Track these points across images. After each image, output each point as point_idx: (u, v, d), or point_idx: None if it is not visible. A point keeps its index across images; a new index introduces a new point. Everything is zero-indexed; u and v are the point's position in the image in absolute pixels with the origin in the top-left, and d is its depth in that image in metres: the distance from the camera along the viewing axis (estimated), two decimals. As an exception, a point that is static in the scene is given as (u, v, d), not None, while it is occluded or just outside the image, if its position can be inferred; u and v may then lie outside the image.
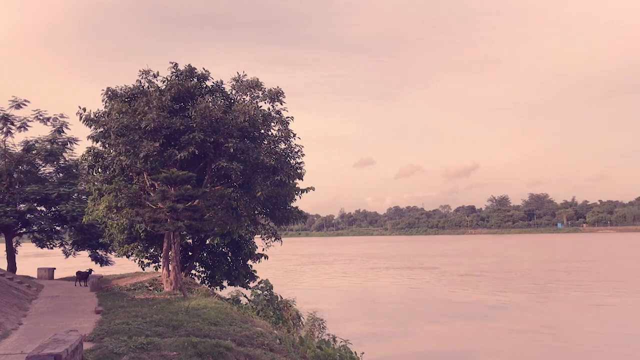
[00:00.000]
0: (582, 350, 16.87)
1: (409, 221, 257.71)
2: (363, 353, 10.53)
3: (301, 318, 18.09)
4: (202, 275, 23.94)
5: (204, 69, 18.38)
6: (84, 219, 21.69)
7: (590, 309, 25.70)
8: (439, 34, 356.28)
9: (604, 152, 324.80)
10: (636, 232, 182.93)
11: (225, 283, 23.45)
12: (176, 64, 18.19)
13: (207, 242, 23.35)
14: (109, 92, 17.50)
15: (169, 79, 18.02)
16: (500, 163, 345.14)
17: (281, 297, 18.00)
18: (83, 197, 26.16)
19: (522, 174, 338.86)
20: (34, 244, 28.22)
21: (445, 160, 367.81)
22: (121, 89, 17.63)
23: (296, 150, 17.99)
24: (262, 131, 17.75)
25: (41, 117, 26.73)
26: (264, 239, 21.83)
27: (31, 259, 49.53)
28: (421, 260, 66.92)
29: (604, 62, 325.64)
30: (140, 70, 17.89)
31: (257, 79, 17.52)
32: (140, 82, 17.86)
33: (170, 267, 17.32)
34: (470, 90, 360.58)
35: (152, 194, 16.96)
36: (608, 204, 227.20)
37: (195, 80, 18.05)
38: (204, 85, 18.34)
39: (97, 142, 17.57)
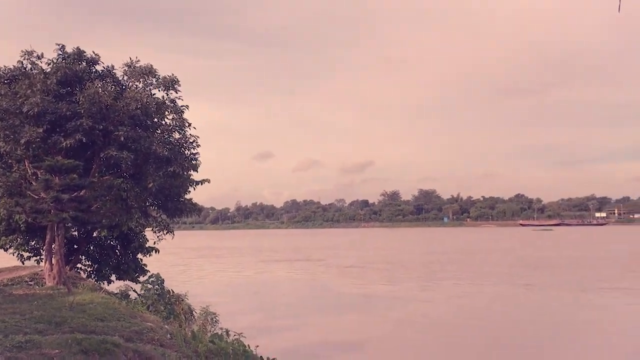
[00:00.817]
0: (455, 339, 17.88)
1: (305, 214, 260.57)
2: (257, 346, 10.51)
3: (193, 312, 17.75)
4: (89, 270, 22.77)
5: (93, 52, 17.43)
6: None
7: (461, 299, 27.34)
8: (345, 30, 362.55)
9: (489, 151, 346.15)
10: (514, 227, 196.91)
11: (113, 277, 22.45)
12: (63, 45, 17.09)
13: (95, 234, 22.22)
14: (-16, 73, 16.14)
15: (55, 61, 16.89)
16: (394, 159, 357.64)
17: (173, 292, 17.57)
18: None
19: (414, 170, 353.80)
20: None
21: (342, 155, 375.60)
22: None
23: (191, 140, 17.52)
24: (156, 120, 17.11)
25: None
26: (155, 232, 21.14)
27: None
28: (309, 253, 68.17)
29: (496, 65, 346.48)
30: (22, 51, 16.64)
31: (151, 65, 16.87)
32: (22, 63, 16.60)
33: (54, 261, 16.32)
34: (371, 88, 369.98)
35: (34, 183, 15.87)
36: (490, 200, 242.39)
37: (84, 64, 17.07)
38: (94, 70, 17.38)
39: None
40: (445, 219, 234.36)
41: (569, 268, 41.82)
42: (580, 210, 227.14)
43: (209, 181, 19.58)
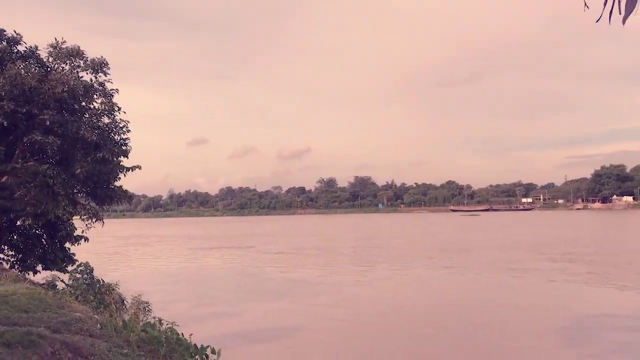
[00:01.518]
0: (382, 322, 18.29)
1: (240, 202, 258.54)
2: (191, 334, 10.41)
3: (125, 302, 17.31)
4: (12, 260, 21.75)
5: (15, 31, 16.51)
6: None
7: (386, 281, 28.09)
8: (282, 14, 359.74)
9: (422, 139, 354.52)
10: (445, 212, 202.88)
11: (39, 267, 21.55)
12: (-20, 24, 16.09)
13: (18, 223, 21.21)
14: None
15: (-29, 40, 15.88)
16: (331, 146, 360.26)
17: (103, 281, 17.06)
18: None
19: (350, 157, 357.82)
20: None
21: (279, 142, 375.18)
22: None
23: (121, 125, 16.91)
24: (83, 104, 16.41)
25: None
26: (83, 220, 20.39)
27: None
28: (241, 240, 68.21)
29: (431, 54, 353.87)
30: None
31: (78, 47, 16.15)
32: None
33: (-27, 252, 15.50)
34: (308, 75, 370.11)
35: (-51, 169, 14.96)
36: (423, 186, 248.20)
37: (5, 43, 16.15)
38: (15, 50, 16.46)
39: None
40: (380, 206, 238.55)
41: (487, 250, 43.69)
42: (508, 196, 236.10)
43: (140, 167, 19.04)
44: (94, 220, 20.54)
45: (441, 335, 16.36)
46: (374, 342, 15.39)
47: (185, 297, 24.05)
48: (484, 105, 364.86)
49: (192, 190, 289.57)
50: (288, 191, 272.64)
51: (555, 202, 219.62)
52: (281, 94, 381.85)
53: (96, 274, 16.71)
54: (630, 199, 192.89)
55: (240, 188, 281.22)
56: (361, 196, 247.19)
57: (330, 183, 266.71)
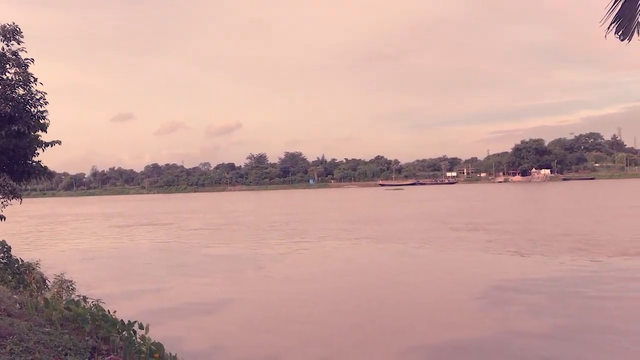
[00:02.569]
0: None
1: (167, 179, 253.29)
2: (115, 311, 10.13)
3: (47, 281, 16.61)
4: None
5: None
6: None
7: (299, 254, 28.61)
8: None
9: (352, 115, 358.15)
10: (374, 187, 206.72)
11: (-49, 249, 20.28)
12: None
13: None
14: None
15: None
16: (261, 122, 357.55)
17: (21, 260, 16.27)
18: None
19: (281, 133, 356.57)
20: None
21: (208, 118, 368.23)
22: None
23: (38, 97, 16.03)
24: (-5, 74, 15.45)
25: None
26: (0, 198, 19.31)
27: None
28: (159, 217, 67.51)
29: (359, 30, 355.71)
30: None
31: (-13, 13, 15.10)
32: None
33: None
34: (235, 49, 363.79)
35: None
36: (352, 162, 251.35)
37: None
38: None
39: None
40: (311, 181, 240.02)
41: (400, 222, 45.28)
42: (433, 170, 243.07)
43: (59, 142, 18.13)
44: (11, 197, 19.51)
45: (357, 300, 16.97)
46: (298, 313, 15.61)
47: (109, 276, 23.40)
48: (410, 81, 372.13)
49: (116, 168, 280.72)
50: (217, 167, 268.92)
51: (479, 175, 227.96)
52: (210, 69, 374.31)
53: (14, 253, 15.89)
54: (547, 171, 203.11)
55: (167, 165, 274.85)
56: (292, 172, 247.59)
57: (260, 159, 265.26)
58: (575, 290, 17.13)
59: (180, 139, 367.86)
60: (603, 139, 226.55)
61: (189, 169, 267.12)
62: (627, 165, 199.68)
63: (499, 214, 51.32)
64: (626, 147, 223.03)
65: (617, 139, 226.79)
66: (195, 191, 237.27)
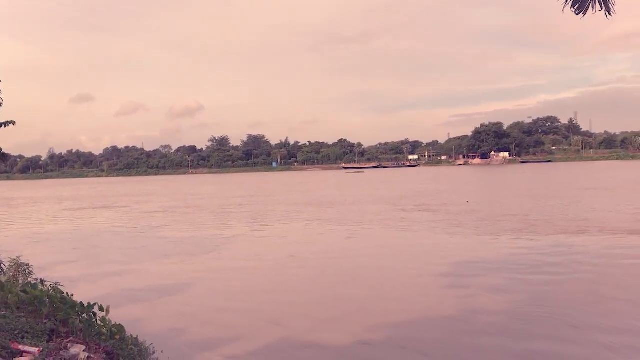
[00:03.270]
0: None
1: (127, 162, 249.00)
2: (72, 295, 10.13)
3: (1, 265, 16.39)
4: None
5: None
6: None
7: (247, 236, 28.53)
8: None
9: (315, 98, 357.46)
10: (338, 170, 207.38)
11: None
12: None
13: None
14: None
15: None
16: (223, 104, 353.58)
17: (-37, 245, 15.99)
18: None
19: (244, 115, 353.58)
20: None
21: (170, 100, 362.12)
22: None
23: (-12, 76, 15.61)
24: None
25: None
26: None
27: None
28: (115, 200, 66.71)
29: (321, 13, 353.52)
30: None
31: None
32: None
33: None
34: (197, 30, 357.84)
35: None
36: (316, 144, 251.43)
37: None
38: None
39: None
40: (274, 164, 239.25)
41: (354, 205, 45.71)
42: (396, 153, 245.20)
43: (14, 123, 17.60)
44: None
45: (317, 281, 17.04)
46: (256, 293, 15.58)
47: (65, 259, 22.98)
48: (373, 64, 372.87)
49: (74, 150, 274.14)
50: (178, 150, 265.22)
51: (439, 158, 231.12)
52: (172, 50, 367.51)
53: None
54: (506, 154, 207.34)
55: (127, 147, 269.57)
56: (255, 155, 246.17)
57: (222, 142, 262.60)
58: (530, 268, 17.52)
59: (141, 121, 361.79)
60: (560, 122, 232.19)
61: (150, 151, 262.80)
62: (582, 149, 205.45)
63: (450, 196, 52.10)
64: (582, 130, 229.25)
65: (574, 122, 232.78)
66: (156, 174, 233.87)
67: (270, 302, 14.46)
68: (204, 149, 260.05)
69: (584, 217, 31.10)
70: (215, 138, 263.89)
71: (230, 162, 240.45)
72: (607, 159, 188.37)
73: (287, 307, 13.95)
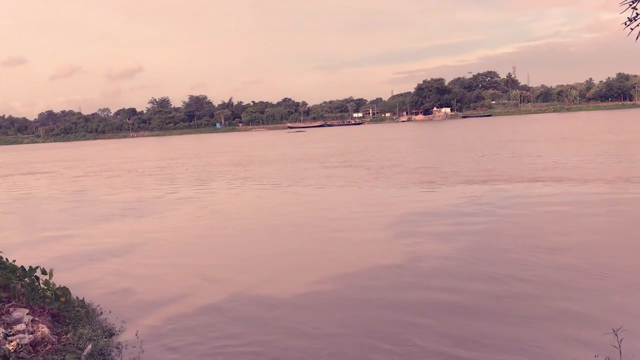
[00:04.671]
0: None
1: (65, 127, 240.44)
2: (15, 260, 9.35)
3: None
4: None
5: None
6: None
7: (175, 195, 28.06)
8: None
9: (259, 57, 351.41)
10: (283, 129, 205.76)
11: None
12: None
13: None
14: None
15: None
16: (165, 65, 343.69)
17: None
18: None
19: (186, 76, 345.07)
20: None
21: (108, 61, 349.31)
22: None
23: None
24: None
25: None
26: None
27: None
28: (42, 166, 64.96)
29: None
30: None
31: None
32: None
33: None
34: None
35: None
36: (260, 104, 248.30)
37: None
38: None
39: None
40: (218, 125, 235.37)
41: (281, 163, 45.75)
42: (341, 112, 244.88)
43: None
44: None
45: (263, 236, 17.14)
46: (200, 253, 15.40)
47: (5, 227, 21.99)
48: (315, 21, 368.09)
49: (7, 116, 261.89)
50: (117, 113, 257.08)
51: (384, 115, 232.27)
52: (110, 7, 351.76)
53: None
54: (448, 110, 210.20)
55: (63, 112, 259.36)
56: (197, 116, 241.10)
57: (163, 103, 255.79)
58: (465, 216, 18.04)
59: (78, 84, 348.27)
60: (499, 77, 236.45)
61: (88, 115, 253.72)
62: (520, 102, 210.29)
63: (377, 152, 52.65)
64: (520, 84, 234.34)
65: (512, 77, 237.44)
66: (96, 138, 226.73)
67: (213, 260, 14.31)
68: (145, 112, 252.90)
69: (489, 168, 32.08)
70: (155, 100, 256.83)
71: (172, 124, 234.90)
72: (544, 111, 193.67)
73: (231, 264, 13.81)
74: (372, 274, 11.84)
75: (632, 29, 4.36)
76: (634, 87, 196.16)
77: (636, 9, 4.33)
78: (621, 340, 5.76)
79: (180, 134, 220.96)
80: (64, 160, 75.07)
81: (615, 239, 13.89)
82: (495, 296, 9.95)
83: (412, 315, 9.25)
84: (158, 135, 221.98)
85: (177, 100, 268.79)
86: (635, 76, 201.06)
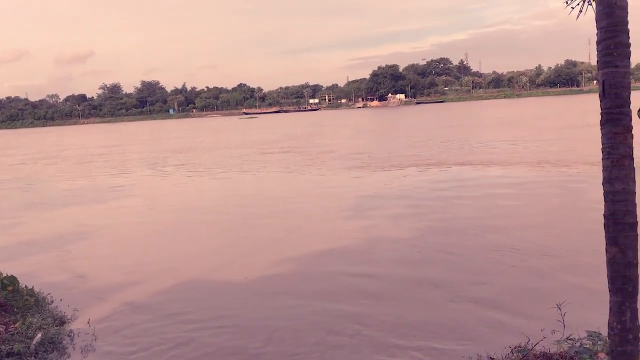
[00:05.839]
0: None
1: (10, 113, 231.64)
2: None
3: None
4: None
5: None
6: None
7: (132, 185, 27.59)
8: None
9: (214, 42, 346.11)
10: (238, 115, 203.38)
11: None
12: None
13: None
14: None
15: None
16: (116, 50, 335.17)
17: None
18: None
19: (138, 61, 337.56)
20: None
21: (57, 45, 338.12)
22: None
23: None
24: None
25: None
26: None
27: None
28: None
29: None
30: None
31: None
32: None
33: None
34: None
35: None
36: (214, 90, 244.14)
37: None
38: None
39: None
40: (171, 111, 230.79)
41: (226, 149, 45.57)
42: (297, 98, 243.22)
43: None
44: None
45: (218, 222, 17.14)
46: (151, 239, 15.48)
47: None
48: (272, 7, 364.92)
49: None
50: (67, 99, 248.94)
51: (339, 102, 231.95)
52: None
53: None
54: (402, 96, 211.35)
55: (8, 98, 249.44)
56: (150, 102, 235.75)
57: (114, 89, 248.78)
58: (384, 199, 18.56)
59: (25, 68, 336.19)
60: (452, 64, 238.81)
61: (35, 102, 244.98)
62: (472, 88, 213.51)
63: (319, 139, 52.90)
64: (472, 71, 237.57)
65: (464, 63, 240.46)
66: (44, 125, 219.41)
67: (153, 249, 14.24)
68: (95, 98, 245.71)
69: (419, 153, 32.45)
70: (106, 86, 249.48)
71: (124, 111, 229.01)
72: (495, 97, 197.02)
73: (180, 251, 13.69)
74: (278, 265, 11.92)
75: (572, 7, 4.52)
76: (580, 74, 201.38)
77: None
78: (564, 314, 5.98)
79: (133, 120, 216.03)
80: (3, 148, 72.80)
81: (528, 219, 14.52)
82: (417, 280, 10.19)
83: (336, 303, 9.30)
84: (110, 122, 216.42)
85: (129, 86, 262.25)
86: (582, 63, 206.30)
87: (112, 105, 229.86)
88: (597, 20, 3.82)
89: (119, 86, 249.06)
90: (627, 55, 3.74)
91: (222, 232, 15.61)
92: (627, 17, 3.74)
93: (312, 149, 40.22)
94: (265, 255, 12.56)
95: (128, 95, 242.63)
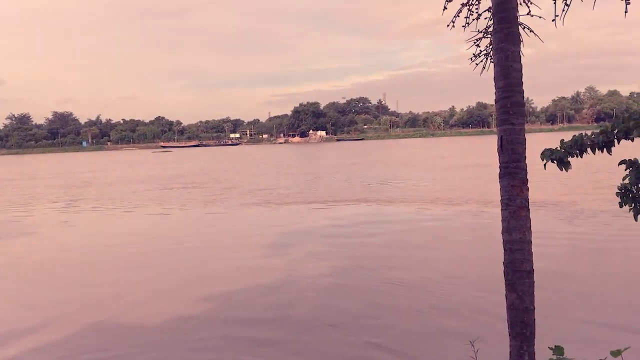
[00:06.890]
0: None
1: None
2: None
3: None
4: None
5: None
6: None
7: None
8: None
9: (132, 73, 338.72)
10: (156, 148, 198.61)
11: None
12: None
13: None
14: None
15: None
16: (28, 78, 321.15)
17: None
18: None
19: (51, 91, 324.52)
20: None
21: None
22: None
23: None
24: None
25: None
26: None
27: None
28: None
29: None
30: None
31: None
32: None
33: None
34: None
35: None
36: (131, 122, 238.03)
37: None
38: None
39: None
40: (85, 144, 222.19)
41: (129, 184, 43.83)
42: (217, 132, 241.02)
43: None
44: None
45: (130, 259, 16.17)
46: (59, 277, 14.35)
47: None
48: (192, 40, 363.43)
49: None
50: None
51: (261, 137, 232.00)
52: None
53: None
54: (323, 133, 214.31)
55: None
56: (62, 134, 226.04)
57: (23, 119, 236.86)
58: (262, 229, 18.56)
59: None
60: (371, 103, 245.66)
61: None
62: (390, 127, 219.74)
63: (225, 174, 51.97)
64: (390, 110, 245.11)
65: (382, 103, 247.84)
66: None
67: (71, 287, 13.21)
68: (2, 128, 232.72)
69: (318, 190, 32.06)
70: (14, 115, 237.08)
71: (32, 142, 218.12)
72: (412, 136, 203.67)
73: (94, 293, 12.59)
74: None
75: (477, 64, 4.97)
76: (491, 115, 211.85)
77: (479, 47, 4.90)
78: (477, 351, 5.72)
79: (42, 152, 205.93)
80: None
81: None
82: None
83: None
84: (17, 153, 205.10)
85: (40, 117, 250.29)
86: (492, 105, 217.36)
87: (20, 137, 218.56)
88: (495, 80, 4.01)
89: (29, 116, 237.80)
90: (522, 113, 3.96)
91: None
92: (521, 78, 3.95)
93: (218, 185, 39.18)
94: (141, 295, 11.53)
95: (38, 127, 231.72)
